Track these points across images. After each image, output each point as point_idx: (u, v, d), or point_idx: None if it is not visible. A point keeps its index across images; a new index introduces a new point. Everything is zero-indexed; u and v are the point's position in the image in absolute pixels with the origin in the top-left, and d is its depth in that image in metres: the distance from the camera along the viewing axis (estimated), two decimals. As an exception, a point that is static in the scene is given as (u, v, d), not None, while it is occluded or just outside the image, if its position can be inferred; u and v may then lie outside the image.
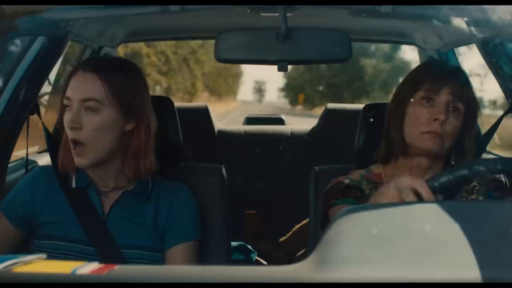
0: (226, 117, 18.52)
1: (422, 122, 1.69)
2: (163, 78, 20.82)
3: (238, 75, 42.31)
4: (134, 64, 1.80)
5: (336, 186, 1.79)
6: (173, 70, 22.15)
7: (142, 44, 17.82)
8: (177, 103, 2.14)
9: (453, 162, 1.75)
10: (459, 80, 1.74)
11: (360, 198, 1.74)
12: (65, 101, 1.67)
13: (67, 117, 1.66)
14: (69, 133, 1.65)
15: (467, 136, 1.73)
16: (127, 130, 1.70)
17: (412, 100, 1.73)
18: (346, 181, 1.79)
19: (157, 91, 20.39)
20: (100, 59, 1.83)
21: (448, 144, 1.70)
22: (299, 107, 34.52)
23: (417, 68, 1.83)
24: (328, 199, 1.77)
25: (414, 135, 1.71)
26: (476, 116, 1.78)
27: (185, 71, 23.55)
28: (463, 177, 1.47)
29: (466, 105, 1.71)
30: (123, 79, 1.69)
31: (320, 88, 31.71)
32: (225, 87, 35.89)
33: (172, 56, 22.02)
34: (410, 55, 24.42)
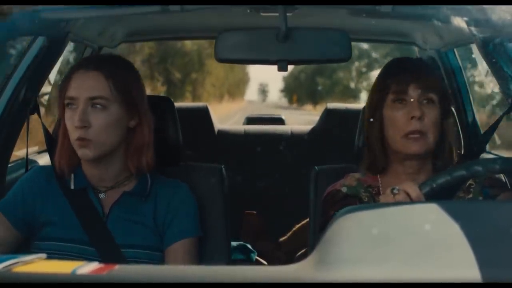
0: (239, 112, 23.67)
1: (400, 125, 1.68)
2: (217, 90, 35.83)
3: (247, 81, 58.30)
4: (131, 63, 1.84)
5: (334, 195, 1.78)
6: (220, 84, 37.76)
7: (211, 77, 31.53)
8: (177, 103, 2.14)
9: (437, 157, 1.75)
10: (424, 71, 1.73)
11: None
12: (69, 101, 1.68)
13: (72, 116, 1.67)
14: (76, 132, 1.66)
15: (445, 124, 1.72)
16: (131, 126, 1.72)
17: (385, 105, 1.72)
18: (344, 189, 1.78)
19: (213, 96, 33.06)
20: (100, 57, 1.84)
21: (433, 138, 1.69)
22: (294, 105, 47.52)
23: (380, 73, 1.81)
24: (327, 209, 1.76)
25: (397, 139, 1.69)
26: (450, 103, 1.77)
27: (220, 84, 38.89)
28: (461, 178, 1.47)
29: (438, 94, 1.70)
30: (126, 76, 1.73)
31: (305, 91, 47.15)
32: (237, 91, 50.16)
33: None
34: (342, 74, 40.71)
